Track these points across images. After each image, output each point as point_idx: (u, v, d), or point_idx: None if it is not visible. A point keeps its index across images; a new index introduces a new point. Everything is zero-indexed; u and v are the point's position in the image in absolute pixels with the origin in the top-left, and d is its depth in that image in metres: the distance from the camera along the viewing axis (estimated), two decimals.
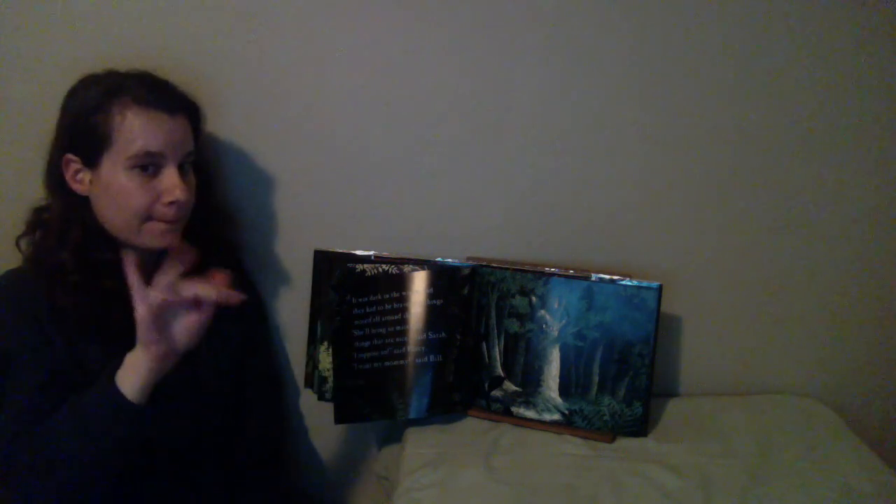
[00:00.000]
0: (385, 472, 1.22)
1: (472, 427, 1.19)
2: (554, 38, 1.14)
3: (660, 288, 1.13)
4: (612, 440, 1.16)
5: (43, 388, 0.90)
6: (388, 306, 1.18)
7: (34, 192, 0.98)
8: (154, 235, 0.94)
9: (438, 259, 1.20)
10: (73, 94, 0.95)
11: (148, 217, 0.93)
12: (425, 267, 1.18)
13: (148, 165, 0.91)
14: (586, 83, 1.17)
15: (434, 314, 1.18)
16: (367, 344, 1.17)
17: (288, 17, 1.10)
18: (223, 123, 1.13)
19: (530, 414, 1.18)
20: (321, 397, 1.23)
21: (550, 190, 1.22)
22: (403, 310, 1.18)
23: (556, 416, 1.17)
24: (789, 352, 1.32)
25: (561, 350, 1.16)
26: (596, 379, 1.15)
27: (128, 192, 0.91)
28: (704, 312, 1.29)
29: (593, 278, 1.15)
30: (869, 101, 1.19)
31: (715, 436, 1.17)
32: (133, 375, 0.86)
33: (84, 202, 0.95)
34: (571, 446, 1.14)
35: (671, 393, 1.32)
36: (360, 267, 1.18)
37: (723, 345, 1.31)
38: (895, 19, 1.14)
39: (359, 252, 1.20)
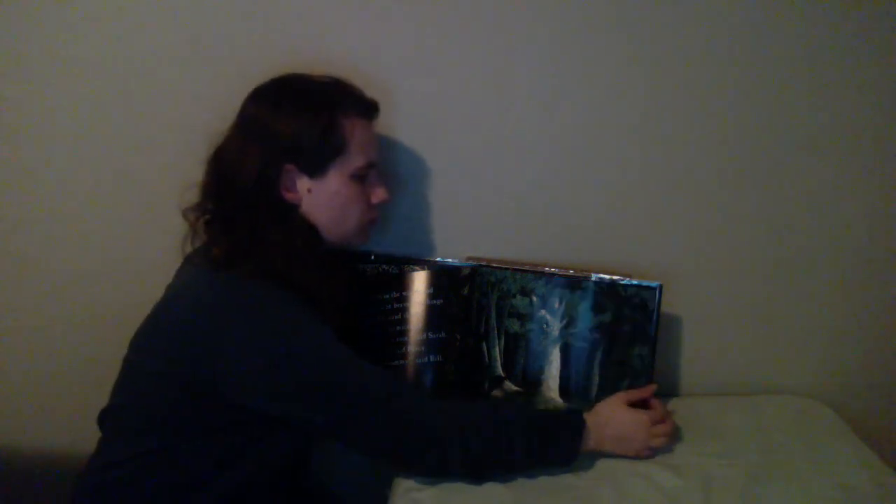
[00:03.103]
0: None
1: None
2: (554, 38, 1.14)
3: (660, 288, 1.13)
4: None
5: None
6: (388, 306, 1.18)
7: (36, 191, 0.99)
8: (364, 234, 1.06)
9: (438, 259, 1.20)
10: (280, 104, 0.95)
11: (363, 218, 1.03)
12: (425, 267, 1.18)
13: (368, 174, 1.01)
14: (586, 83, 1.17)
15: (434, 314, 1.18)
16: (367, 344, 1.17)
17: (283, 11, 1.11)
18: (222, 125, 1.13)
19: None
20: None
21: (550, 190, 1.22)
22: (403, 310, 1.18)
23: None
24: (789, 352, 1.32)
25: (561, 350, 1.16)
26: (596, 379, 1.15)
27: (351, 198, 1.00)
28: (704, 312, 1.29)
29: (593, 278, 1.15)
30: (869, 101, 1.19)
31: (715, 436, 1.17)
32: (598, 441, 1.01)
33: (291, 208, 0.97)
34: None
35: (671, 393, 1.32)
36: (360, 267, 1.18)
37: (723, 345, 1.31)
38: (895, 19, 1.14)
39: (359, 252, 1.20)
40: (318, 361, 0.91)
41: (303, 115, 0.94)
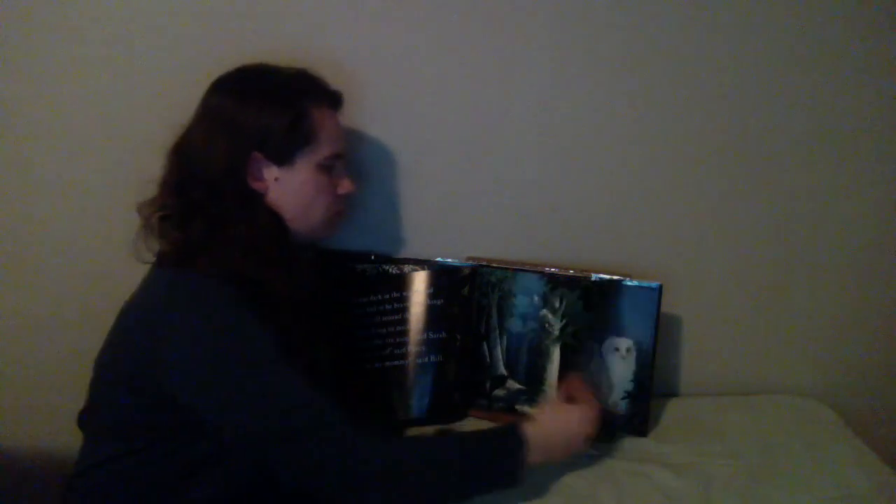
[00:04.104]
0: None
1: (472, 427, 1.19)
2: (554, 39, 1.14)
3: (660, 288, 1.13)
4: (612, 440, 1.16)
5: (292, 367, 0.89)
6: (388, 306, 1.18)
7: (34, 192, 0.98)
8: (332, 227, 1.04)
9: (438, 259, 1.20)
10: (248, 94, 0.94)
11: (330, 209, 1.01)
12: (425, 267, 1.19)
13: (334, 165, 1.00)
14: (586, 83, 1.17)
15: (434, 314, 1.18)
16: (367, 344, 1.17)
17: (285, 12, 1.11)
18: None
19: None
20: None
21: (550, 190, 1.22)
22: (403, 310, 1.18)
23: None
24: (789, 352, 1.32)
25: (562, 350, 1.16)
26: (595, 379, 1.15)
27: (319, 188, 0.99)
28: (704, 312, 1.29)
29: (593, 278, 1.15)
30: (869, 102, 1.19)
31: (715, 436, 1.17)
32: (546, 451, 0.94)
33: (258, 198, 0.95)
34: None
35: (671, 393, 1.32)
36: (360, 267, 1.18)
37: (723, 345, 1.31)
38: (894, 19, 1.14)
39: (359, 252, 1.20)
40: (253, 370, 0.87)
41: (272, 104, 0.94)
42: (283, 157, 0.95)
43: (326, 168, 0.99)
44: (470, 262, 1.20)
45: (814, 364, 1.33)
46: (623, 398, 1.15)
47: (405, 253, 1.21)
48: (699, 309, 1.28)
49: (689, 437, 1.17)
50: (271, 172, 0.95)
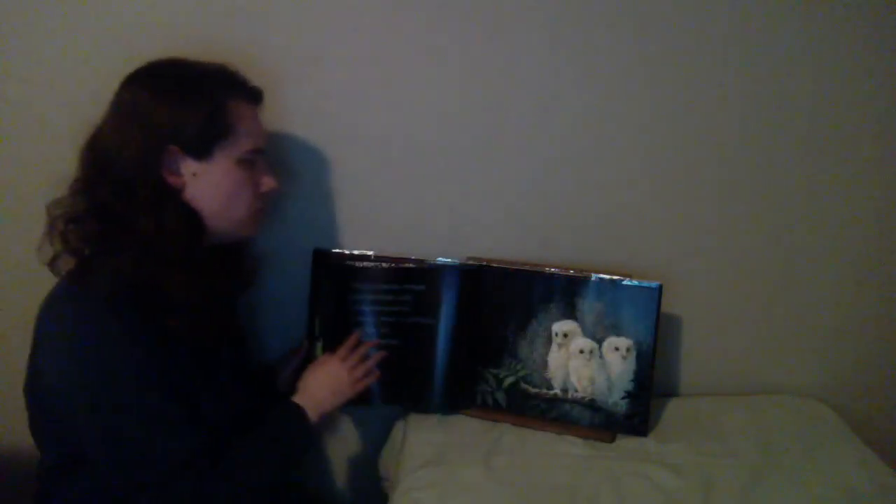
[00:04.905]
0: (385, 472, 1.22)
1: (472, 427, 1.19)
2: (555, 39, 1.14)
3: (660, 288, 1.13)
4: (612, 440, 1.16)
5: (166, 413, 0.89)
6: (387, 306, 1.18)
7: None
8: (253, 223, 1.01)
9: (439, 259, 1.20)
10: (163, 87, 0.90)
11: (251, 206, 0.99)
12: (425, 266, 1.18)
13: (255, 160, 0.97)
14: (587, 83, 1.17)
15: (433, 313, 1.18)
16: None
17: (284, 14, 1.11)
18: None
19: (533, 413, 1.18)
20: None
21: (550, 190, 1.22)
22: (403, 309, 1.18)
23: (555, 414, 1.17)
24: (789, 352, 1.32)
25: (561, 349, 1.16)
26: (596, 378, 1.15)
27: (239, 184, 0.95)
28: (704, 312, 1.29)
29: (593, 278, 1.15)
30: (869, 102, 1.19)
31: (715, 436, 1.17)
32: (319, 406, 1.04)
33: (173, 194, 0.91)
34: (571, 446, 1.14)
35: (671, 393, 1.32)
36: (359, 266, 1.18)
37: (723, 345, 1.31)
38: (895, 19, 1.15)
39: (359, 252, 1.20)
40: (109, 415, 0.87)
41: (187, 97, 0.90)
42: (201, 151, 0.91)
43: (247, 163, 0.95)
44: (470, 262, 1.20)
45: (814, 364, 1.33)
46: (623, 398, 1.15)
47: (405, 253, 1.21)
48: (699, 309, 1.29)
49: (689, 437, 1.17)
50: (188, 167, 0.91)
